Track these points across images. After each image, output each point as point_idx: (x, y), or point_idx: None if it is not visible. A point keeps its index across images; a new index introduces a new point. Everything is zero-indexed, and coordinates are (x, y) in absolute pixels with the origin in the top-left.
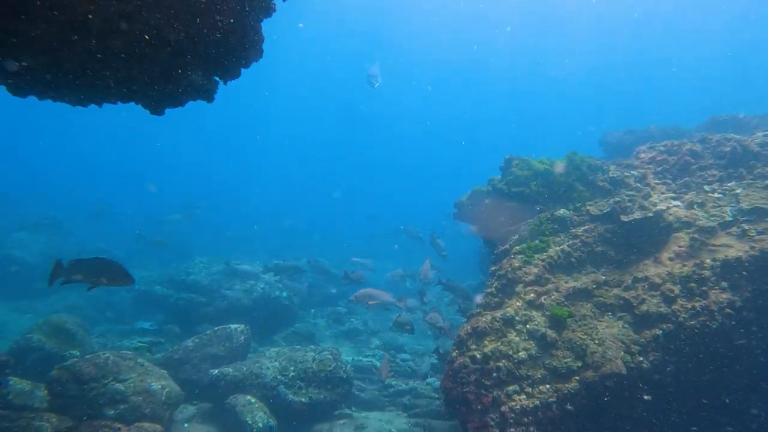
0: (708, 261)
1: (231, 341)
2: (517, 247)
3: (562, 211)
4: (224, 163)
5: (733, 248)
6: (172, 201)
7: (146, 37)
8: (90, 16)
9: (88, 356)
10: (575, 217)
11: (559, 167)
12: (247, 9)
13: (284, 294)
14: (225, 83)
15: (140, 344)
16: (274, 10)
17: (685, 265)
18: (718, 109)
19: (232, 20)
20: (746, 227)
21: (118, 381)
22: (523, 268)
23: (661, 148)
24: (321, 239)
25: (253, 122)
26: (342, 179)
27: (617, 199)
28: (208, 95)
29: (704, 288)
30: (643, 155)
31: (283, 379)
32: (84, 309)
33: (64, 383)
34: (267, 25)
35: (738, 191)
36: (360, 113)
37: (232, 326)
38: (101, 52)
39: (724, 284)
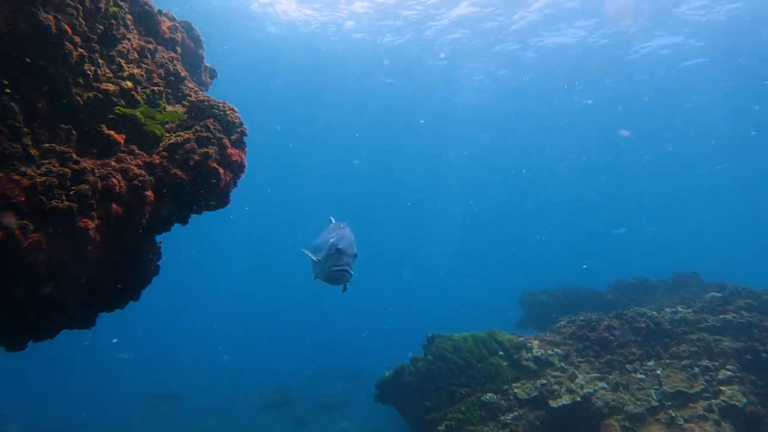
0: None
1: None
2: None
3: (488, 396)
4: None
5: None
6: None
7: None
8: None
9: None
10: (503, 401)
11: (481, 344)
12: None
13: None
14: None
15: None
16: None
17: None
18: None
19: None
20: (673, 414)
21: None
22: None
23: (581, 323)
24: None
25: None
26: None
27: (544, 381)
28: (86, 325)
29: None
30: (564, 329)
31: None
32: None
33: None
34: None
35: (658, 372)
36: None
37: None
38: None
39: None
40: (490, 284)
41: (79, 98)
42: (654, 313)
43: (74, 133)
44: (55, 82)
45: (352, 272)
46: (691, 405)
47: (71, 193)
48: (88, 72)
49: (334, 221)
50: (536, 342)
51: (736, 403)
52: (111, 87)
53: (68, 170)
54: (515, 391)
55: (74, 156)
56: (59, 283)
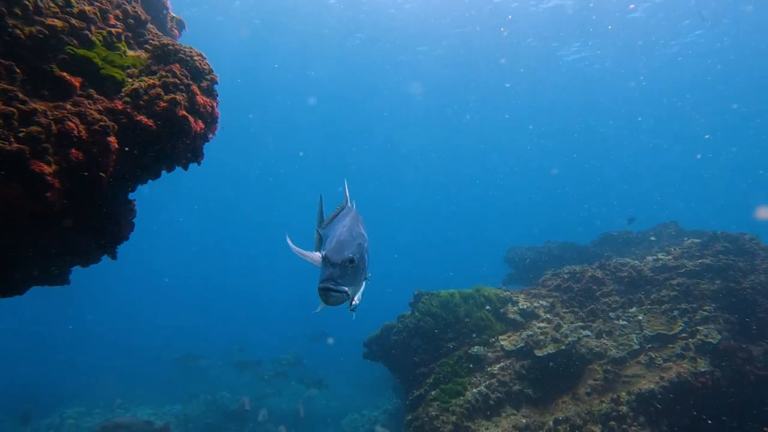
0: (624, 395)
1: None
2: (433, 392)
3: (476, 349)
4: None
5: (644, 379)
6: None
7: None
8: None
9: None
10: (490, 353)
11: (468, 299)
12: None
13: None
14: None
15: None
16: None
17: (602, 401)
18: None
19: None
20: (653, 355)
21: None
22: (441, 417)
23: (566, 275)
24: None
25: None
26: None
27: (530, 332)
28: (59, 281)
29: (624, 426)
30: (549, 282)
31: None
32: None
33: None
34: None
35: (640, 317)
36: None
37: None
38: None
39: (641, 419)
40: (476, 247)
41: (19, 32)
42: (636, 262)
43: (18, 71)
44: None
45: (342, 291)
46: (670, 346)
47: (20, 134)
48: (27, 3)
49: (348, 199)
50: (522, 296)
51: (712, 341)
52: (58, 23)
53: (14, 110)
54: (502, 343)
55: (20, 95)
56: (18, 232)
